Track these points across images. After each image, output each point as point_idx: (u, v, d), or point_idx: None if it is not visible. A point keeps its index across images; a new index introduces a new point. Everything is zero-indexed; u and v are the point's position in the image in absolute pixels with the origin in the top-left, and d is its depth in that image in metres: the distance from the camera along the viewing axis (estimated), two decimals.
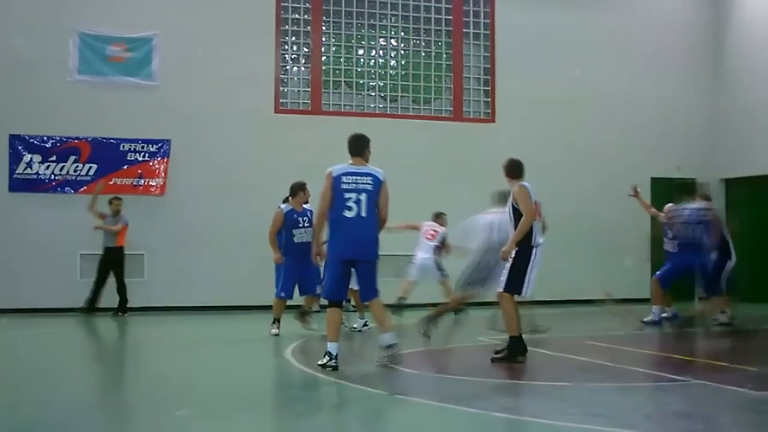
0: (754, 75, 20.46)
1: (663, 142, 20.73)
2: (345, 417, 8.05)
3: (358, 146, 10.11)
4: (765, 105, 20.08)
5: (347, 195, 9.80)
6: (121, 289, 16.93)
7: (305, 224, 13.13)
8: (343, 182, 9.84)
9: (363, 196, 9.80)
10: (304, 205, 13.29)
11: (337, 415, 8.18)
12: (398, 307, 16.03)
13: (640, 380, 9.82)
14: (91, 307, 16.63)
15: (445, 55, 20.14)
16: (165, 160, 17.93)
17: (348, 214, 9.77)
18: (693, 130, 21.16)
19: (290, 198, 13.39)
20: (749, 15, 20.91)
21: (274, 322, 13.22)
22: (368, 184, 9.86)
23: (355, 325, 13.90)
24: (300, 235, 13.12)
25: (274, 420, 7.91)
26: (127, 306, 16.94)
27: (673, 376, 9.56)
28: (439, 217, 16.77)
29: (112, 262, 16.86)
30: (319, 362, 9.76)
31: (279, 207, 13.38)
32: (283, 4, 18.97)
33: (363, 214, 9.77)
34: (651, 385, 9.56)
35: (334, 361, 9.68)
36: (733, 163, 20.62)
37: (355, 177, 9.88)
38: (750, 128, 20.50)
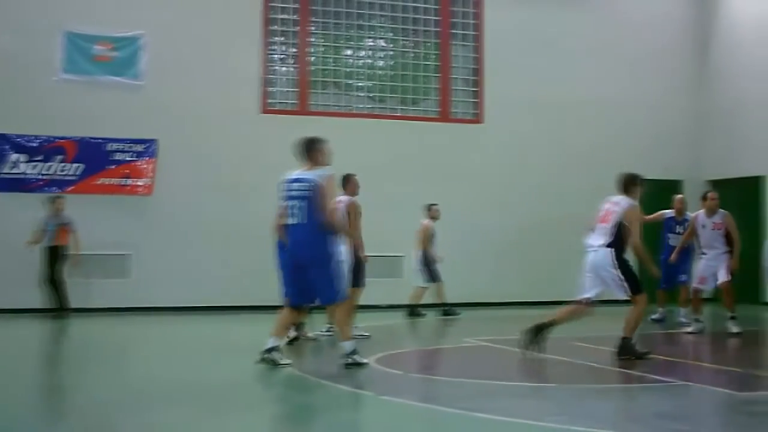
0: (739, 77, 20.51)
1: (649, 143, 20.74)
2: (325, 418, 8.02)
3: (301, 150, 10.08)
4: (750, 107, 20.16)
5: (288, 202, 9.90)
6: (59, 289, 16.67)
7: None
8: (286, 190, 9.95)
9: (302, 203, 9.81)
10: None
11: (319, 416, 8.16)
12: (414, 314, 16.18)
13: (625, 381, 9.84)
14: (64, 308, 16.48)
15: (432, 56, 20.13)
16: (152, 160, 17.90)
17: (290, 221, 9.89)
18: (679, 131, 21.21)
19: None
20: (734, 16, 20.97)
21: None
22: (305, 189, 9.83)
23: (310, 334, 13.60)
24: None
25: (245, 420, 7.89)
26: (67, 306, 16.61)
27: (658, 377, 9.56)
28: (429, 210, 16.82)
29: (54, 260, 16.66)
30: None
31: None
32: (270, 3, 18.95)
33: (303, 220, 9.79)
34: (636, 387, 9.56)
35: (268, 354, 9.87)
36: (719, 164, 20.66)
37: (292, 184, 9.93)
38: (736, 130, 20.56)
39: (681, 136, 21.19)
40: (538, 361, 10.76)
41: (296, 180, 9.93)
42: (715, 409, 8.26)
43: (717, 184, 20.40)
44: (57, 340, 14.25)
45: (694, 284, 13.94)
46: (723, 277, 13.51)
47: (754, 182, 19.58)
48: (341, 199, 13.12)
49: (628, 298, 10.92)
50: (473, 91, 20.20)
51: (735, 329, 13.33)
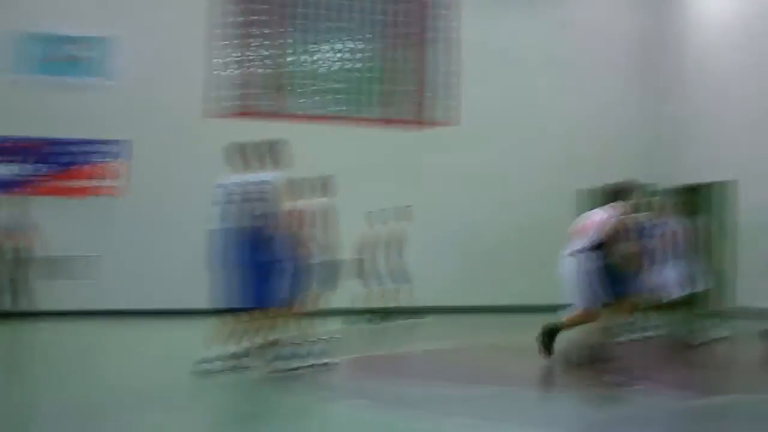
0: (690, 86, 20.70)
1: (603, 152, 20.79)
2: (282, 422, 8.00)
3: (259, 152, 10.13)
4: (700, 116, 20.33)
5: (223, 206, 9.95)
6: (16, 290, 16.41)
7: None
8: (226, 193, 9.94)
9: (233, 206, 9.82)
10: None
11: (276, 420, 8.13)
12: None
13: (584, 386, 9.79)
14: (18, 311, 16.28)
15: (408, 60, 20.05)
16: (120, 161, 17.78)
17: (237, 224, 9.88)
18: (632, 141, 21.32)
19: None
20: (685, 28, 21.17)
21: (239, 334, 12.71)
22: (260, 191, 9.83)
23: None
24: None
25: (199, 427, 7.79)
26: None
27: (618, 382, 9.54)
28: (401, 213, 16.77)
29: (13, 262, 16.46)
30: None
31: None
32: (247, 5, 18.83)
33: (231, 224, 9.79)
34: (598, 392, 9.52)
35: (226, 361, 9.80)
36: (670, 172, 20.71)
37: (229, 187, 9.88)
38: (685, 138, 20.73)
39: (632, 144, 21.26)
40: (499, 367, 10.73)
41: (236, 183, 9.83)
42: (673, 415, 8.27)
43: (668, 192, 20.45)
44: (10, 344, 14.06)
45: (653, 292, 13.72)
46: (687, 289, 13.42)
47: (705, 190, 19.64)
48: (303, 202, 13.04)
49: (598, 306, 10.79)
50: (448, 94, 20.13)
51: (701, 339, 13.24)
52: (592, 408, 8.72)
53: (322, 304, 13.17)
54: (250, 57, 18.98)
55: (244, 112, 18.54)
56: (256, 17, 18.86)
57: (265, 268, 9.78)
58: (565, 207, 20.08)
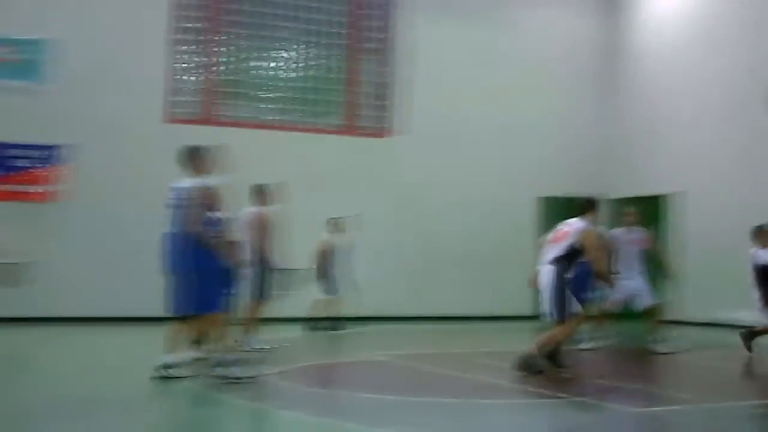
0: (642, 98, 20.99)
1: (553, 160, 21.06)
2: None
3: (184, 158, 10.02)
4: (651, 128, 20.64)
5: (168, 210, 9.85)
6: None
7: (216, 234, 12.35)
8: (172, 197, 9.89)
9: (175, 211, 9.76)
10: (216, 213, 12.60)
11: (215, 430, 8.10)
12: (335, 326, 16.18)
13: (526, 398, 9.91)
14: None
15: (341, 68, 20.15)
16: (56, 166, 17.54)
17: (166, 229, 9.84)
18: (583, 149, 21.54)
19: None
20: (640, 38, 21.48)
21: (194, 342, 12.50)
22: (182, 198, 9.77)
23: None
24: None
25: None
26: None
27: (558, 394, 9.67)
28: (332, 224, 16.73)
29: None
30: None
31: None
32: (180, 12, 18.76)
33: (178, 229, 9.74)
34: (537, 403, 9.65)
35: (165, 369, 9.74)
36: (620, 182, 21.04)
37: (172, 192, 9.85)
38: (636, 149, 21.04)
39: (585, 154, 21.51)
40: (441, 377, 10.80)
41: (178, 188, 9.82)
42: (614, 426, 8.36)
43: (622, 202, 20.79)
44: None
45: (609, 304, 13.83)
46: (649, 300, 13.66)
47: (655, 200, 19.97)
48: (252, 209, 13.02)
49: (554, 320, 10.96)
50: (381, 104, 20.25)
51: (665, 349, 13.43)
52: (540, 418, 8.87)
53: (273, 312, 13.25)
54: (185, 64, 18.96)
55: (192, 119, 18.52)
56: (190, 25, 18.85)
57: (202, 275, 9.71)
58: (512, 216, 20.47)
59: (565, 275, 10.90)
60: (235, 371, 9.80)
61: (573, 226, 11.21)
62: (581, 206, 11.42)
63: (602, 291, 15.06)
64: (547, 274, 11.01)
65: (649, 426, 8.39)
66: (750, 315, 13.38)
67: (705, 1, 19.93)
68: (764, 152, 18.00)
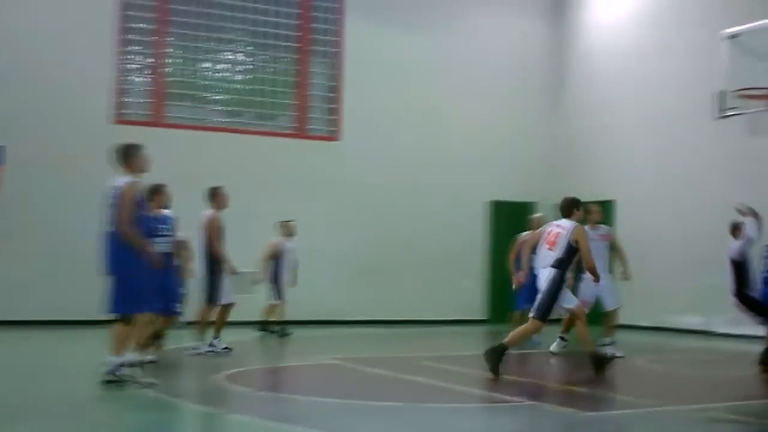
0: (593, 105, 21.13)
1: (504, 165, 21.13)
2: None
3: (116, 157, 9.86)
4: (602, 134, 20.77)
5: (105, 210, 9.74)
6: None
7: (165, 232, 11.92)
8: (105, 196, 9.79)
9: (110, 211, 9.65)
10: (165, 211, 12.11)
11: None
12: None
13: (473, 401, 9.92)
14: None
15: (290, 72, 20.07)
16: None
17: (105, 228, 9.74)
18: (534, 154, 21.63)
19: (148, 202, 12.20)
20: (589, 45, 21.62)
21: (143, 344, 11.55)
22: (111, 198, 9.65)
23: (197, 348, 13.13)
24: (159, 245, 11.53)
25: None
26: None
27: (507, 398, 9.68)
28: (282, 226, 16.60)
29: None
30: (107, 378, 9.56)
31: None
32: (126, 12, 18.58)
33: (110, 228, 9.64)
34: (484, 407, 9.67)
35: (114, 373, 9.56)
36: (570, 188, 21.09)
37: (108, 191, 9.73)
38: (587, 155, 21.16)
39: (536, 159, 21.61)
40: (391, 381, 10.79)
41: (111, 187, 9.69)
42: (561, 429, 8.37)
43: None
44: None
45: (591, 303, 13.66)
46: (613, 303, 13.67)
47: (604, 206, 20.04)
48: (206, 212, 12.90)
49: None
50: (330, 108, 20.21)
51: (618, 353, 13.39)
52: (487, 422, 8.87)
53: (226, 315, 13.14)
54: (132, 65, 18.81)
55: (139, 121, 18.36)
56: (138, 25, 18.70)
57: (128, 275, 9.56)
58: (463, 220, 20.54)
59: (565, 279, 11.22)
60: (123, 375, 9.61)
61: (564, 226, 11.44)
62: (567, 207, 11.75)
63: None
64: (544, 277, 11.26)
65: (594, 429, 8.39)
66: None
67: (653, 9, 20.10)
68: (710, 159, 18.18)
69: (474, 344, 16.73)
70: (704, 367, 13.28)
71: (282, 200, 18.26)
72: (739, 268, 13.10)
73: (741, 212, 13.07)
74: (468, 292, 20.71)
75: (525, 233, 15.31)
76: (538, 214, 15.97)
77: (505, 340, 10.97)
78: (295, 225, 16.67)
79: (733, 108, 15.06)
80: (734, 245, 13.09)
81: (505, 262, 15.45)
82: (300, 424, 7.99)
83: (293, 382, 11.52)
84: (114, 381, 9.52)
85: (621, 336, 15.83)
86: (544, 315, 11.13)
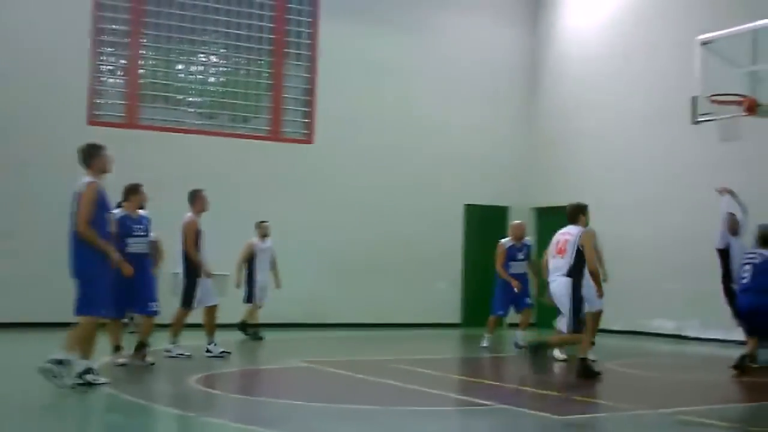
0: (567, 108, 21.18)
1: (478, 169, 21.16)
2: None
3: (79, 157, 9.81)
4: (575, 137, 20.84)
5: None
6: None
7: (140, 232, 11.78)
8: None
9: (71, 212, 9.61)
10: (140, 211, 11.97)
11: None
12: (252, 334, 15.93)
13: (444, 404, 9.89)
14: None
15: (265, 74, 20.02)
16: None
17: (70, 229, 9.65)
18: (508, 158, 21.68)
19: (123, 202, 12.05)
20: (562, 52, 21.69)
21: (115, 348, 11.72)
22: (73, 199, 9.60)
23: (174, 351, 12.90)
24: (134, 245, 11.66)
25: None
26: None
27: (478, 401, 9.68)
28: (258, 227, 16.52)
29: None
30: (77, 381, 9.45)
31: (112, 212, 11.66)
32: (100, 13, 18.47)
33: (71, 229, 9.59)
34: (455, 410, 9.66)
35: (84, 376, 9.48)
36: (544, 192, 21.23)
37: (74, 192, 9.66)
38: (559, 160, 21.22)
39: (508, 163, 21.66)
40: (363, 384, 10.77)
41: (75, 192, 9.63)
42: None
43: (542, 212, 20.98)
44: None
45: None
46: (598, 305, 13.65)
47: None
48: (186, 215, 12.80)
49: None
50: (305, 111, 20.17)
51: (594, 358, 13.46)
52: (460, 425, 8.86)
53: (199, 318, 13.06)
54: (106, 66, 18.72)
55: (115, 122, 18.27)
56: (112, 26, 18.62)
57: (87, 276, 9.51)
58: (439, 224, 20.52)
59: (580, 285, 11.34)
60: (90, 378, 9.54)
61: (571, 232, 11.57)
62: (573, 212, 11.83)
63: (530, 297, 15.17)
64: (562, 285, 11.37)
65: None
66: None
67: (627, 13, 20.19)
68: (684, 164, 18.26)
69: (448, 347, 16.82)
70: (677, 371, 13.34)
71: (256, 203, 18.17)
72: (722, 256, 13.22)
73: (719, 191, 13.21)
74: (443, 296, 20.72)
75: (505, 239, 15.33)
76: (517, 221, 15.96)
77: (549, 339, 11.55)
78: (269, 226, 16.59)
79: (706, 113, 15.11)
80: (717, 233, 13.26)
81: (495, 268, 15.32)
82: (272, 427, 7.95)
83: (266, 385, 11.48)
84: (82, 384, 9.45)
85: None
86: (579, 327, 11.33)
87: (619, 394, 10.90)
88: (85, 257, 9.52)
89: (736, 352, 12.85)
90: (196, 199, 12.92)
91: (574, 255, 11.36)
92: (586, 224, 11.81)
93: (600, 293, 11.74)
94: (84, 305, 9.51)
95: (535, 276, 15.20)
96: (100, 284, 9.59)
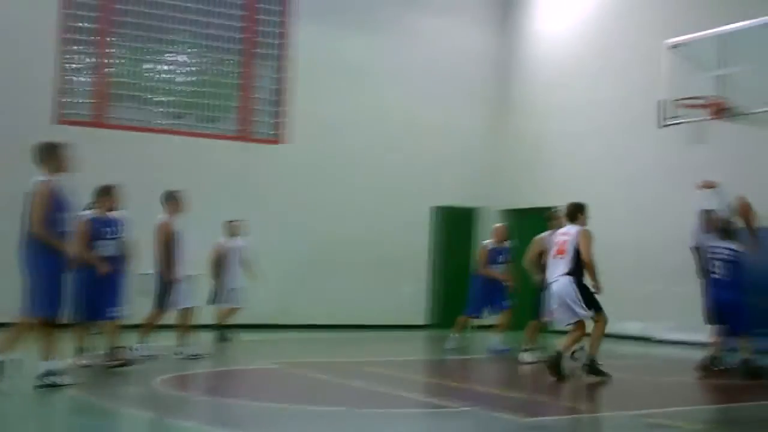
0: (538, 111, 21.22)
1: (446, 171, 21.18)
2: None
3: (37, 156, 9.70)
4: (546, 140, 20.87)
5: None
6: None
7: (111, 235, 11.53)
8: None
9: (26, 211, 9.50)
10: (113, 213, 11.74)
11: None
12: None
13: (412, 407, 9.88)
14: None
15: (235, 74, 19.95)
16: None
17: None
18: (476, 161, 21.69)
19: (95, 204, 11.79)
20: (532, 55, 21.73)
21: (78, 349, 11.67)
22: (26, 200, 9.52)
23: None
24: (104, 247, 11.44)
25: None
26: None
27: (445, 403, 9.68)
28: (228, 226, 16.43)
29: None
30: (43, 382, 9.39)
31: (82, 213, 11.56)
32: (68, 10, 18.34)
33: (25, 229, 9.48)
34: (423, 412, 9.66)
35: (48, 378, 9.40)
36: (512, 195, 21.28)
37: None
38: (528, 163, 21.27)
39: (478, 166, 21.67)
40: (329, 386, 10.76)
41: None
42: None
43: (509, 214, 21.01)
44: None
45: (544, 317, 13.54)
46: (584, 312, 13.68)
47: (545, 213, 20.08)
48: (159, 217, 12.71)
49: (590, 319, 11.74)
50: (275, 111, 20.11)
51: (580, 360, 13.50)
52: (426, 427, 8.86)
53: (170, 320, 12.97)
54: (74, 64, 18.61)
55: (83, 121, 18.14)
56: (80, 24, 18.50)
57: (38, 276, 9.36)
58: (407, 225, 20.50)
59: (583, 283, 11.59)
60: (56, 379, 9.46)
61: (570, 232, 11.77)
62: (571, 212, 12.06)
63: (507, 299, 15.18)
64: (566, 284, 11.55)
65: None
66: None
67: (599, 17, 20.26)
68: (652, 167, 18.35)
69: (415, 349, 16.81)
70: (644, 373, 13.40)
71: (225, 203, 18.01)
72: (695, 253, 13.41)
73: (700, 186, 13.34)
74: (410, 297, 20.73)
75: (487, 241, 15.33)
76: (499, 224, 15.94)
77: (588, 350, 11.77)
78: (239, 225, 16.46)
79: (674, 117, 15.25)
80: (691, 231, 13.43)
81: (468, 269, 15.32)
82: (238, 428, 7.93)
83: (233, 387, 11.42)
84: (45, 385, 9.38)
85: (561, 342, 15.95)
86: (600, 308, 11.71)
87: (586, 397, 10.94)
88: (39, 257, 9.39)
89: (701, 354, 12.94)
90: (170, 200, 12.83)
91: (573, 254, 11.56)
92: (584, 223, 11.97)
93: (598, 288, 11.81)
94: (35, 305, 9.40)
95: (511, 280, 15.20)
96: (53, 285, 9.46)
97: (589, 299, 11.59)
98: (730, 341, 12.83)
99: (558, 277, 11.67)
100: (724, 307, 12.48)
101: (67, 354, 10.93)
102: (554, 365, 11.38)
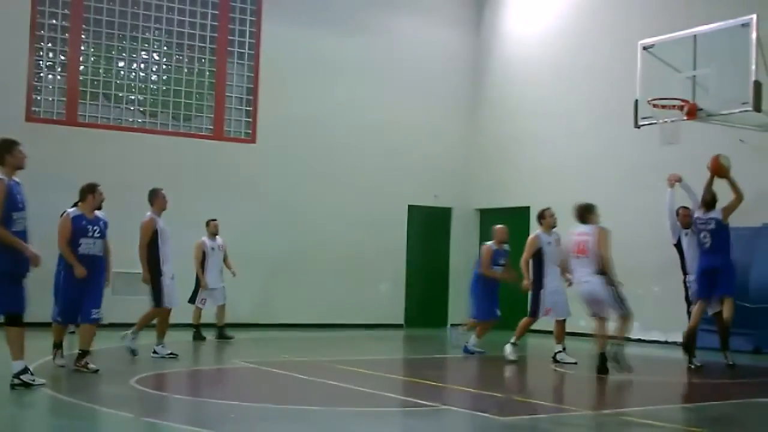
0: (509, 113, 21.30)
1: (422, 170, 21.20)
2: None
3: None
4: (517, 141, 20.93)
5: None
6: None
7: (95, 234, 11.27)
8: None
9: None
10: (97, 212, 11.49)
11: None
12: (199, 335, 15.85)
13: (388, 405, 9.85)
14: None
15: (208, 73, 19.86)
16: None
17: None
18: (452, 160, 21.76)
19: (79, 202, 11.56)
20: (508, 55, 21.77)
21: (55, 348, 11.58)
22: None
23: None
24: (87, 246, 11.21)
25: None
26: None
27: (421, 402, 9.65)
28: (207, 226, 16.38)
29: None
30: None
31: (66, 212, 11.50)
32: (39, 7, 18.18)
33: None
34: (398, 411, 9.62)
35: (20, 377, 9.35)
36: (488, 194, 21.32)
37: None
38: (503, 162, 21.31)
39: (453, 165, 21.74)
40: (306, 385, 10.73)
41: None
42: None
43: (485, 213, 21.03)
44: None
45: (541, 314, 13.73)
46: (565, 314, 13.85)
47: (520, 212, 20.12)
48: (147, 214, 12.68)
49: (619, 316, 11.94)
50: (247, 110, 20.04)
51: (568, 360, 13.58)
52: (402, 426, 8.83)
53: (154, 317, 12.90)
54: (44, 62, 18.48)
55: (54, 119, 18.03)
56: (51, 22, 18.37)
57: (4, 275, 9.26)
58: (383, 224, 20.50)
59: (613, 279, 11.83)
60: (27, 378, 9.40)
61: (588, 232, 11.98)
62: (581, 212, 12.22)
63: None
64: (598, 284, 11.82)
65: None
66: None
67: (573, 18, 20.32)
68: (626, 168, 18.43)
69: (391, 348, 16.78)
70: (617, 372, 13.43)
71: (199, 202, 17.95)
72: (678, 250, 13.60)
73: (669, 182, 13.44)
74: (386, 296, 20.71)
75: (489, 243, 15.12)
76: (500, 225, 15.74)
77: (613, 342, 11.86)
78: (218, 224, 16.43)
79: (648, 117, 15.28)
80: (669, 228, 13.58)
81: (488, 272, 15.05)
82: (213, 428, 7.87)
83: (208, 386, 11.37)
84: (18, 385, 9.31)
85: (537, 341, 16.03)
86: (628, 309, 11.86)
87: (562, 396, 10.95)
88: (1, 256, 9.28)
89: (676, 354, 13.00)
90: (155, 198, 12.83)
91: (597, 254, 11.80)
92: (597, 222, 12.17)
93: (614, 282, 11.98)
94: (5, 303, 9.34)
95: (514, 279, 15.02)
96: (13, 284, 9.36)
97: (622, 298, 11.86)
98: (715, 305, 12.95)
99: (589, 278, 11.88)
100: (716, 272, 12.70)
101: (43, 353, 10.89)
102: (602, 367, 11.82)
